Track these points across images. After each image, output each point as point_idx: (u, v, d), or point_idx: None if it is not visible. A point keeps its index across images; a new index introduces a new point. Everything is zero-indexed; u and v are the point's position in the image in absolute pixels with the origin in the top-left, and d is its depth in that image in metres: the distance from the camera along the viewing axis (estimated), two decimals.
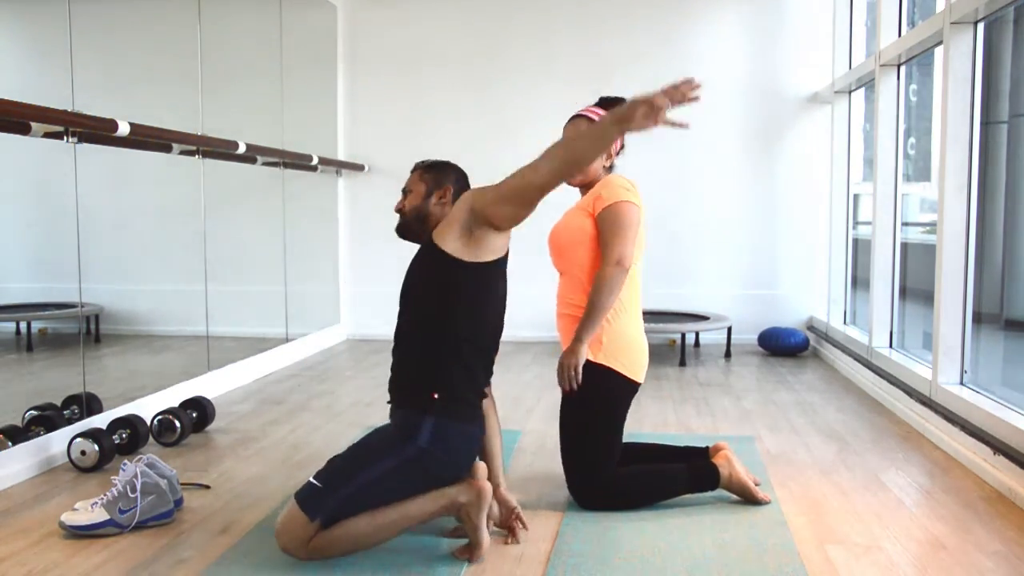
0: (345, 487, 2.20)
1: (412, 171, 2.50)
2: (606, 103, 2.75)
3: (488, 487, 2.30)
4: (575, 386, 2.60)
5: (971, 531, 2.53)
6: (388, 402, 2.42)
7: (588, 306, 2.60)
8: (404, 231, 2.48)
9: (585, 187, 2.78)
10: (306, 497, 2.20)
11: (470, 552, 2.30)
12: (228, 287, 4.89)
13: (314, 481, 2.22)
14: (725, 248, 6.02)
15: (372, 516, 2.21)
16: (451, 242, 2.28)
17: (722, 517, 2.60)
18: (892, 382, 4.08)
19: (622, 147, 2.82)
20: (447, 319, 2.31)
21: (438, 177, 2.45)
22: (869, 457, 3.28)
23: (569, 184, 2.80)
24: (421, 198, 2.43)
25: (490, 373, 2.49)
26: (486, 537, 2.31)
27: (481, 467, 2.37)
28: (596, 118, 2.69)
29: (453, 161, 2.52)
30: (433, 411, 2.26)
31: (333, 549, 2.22)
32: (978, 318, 3.75)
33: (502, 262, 2.39)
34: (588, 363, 2.63)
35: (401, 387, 2.37)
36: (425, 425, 2.25)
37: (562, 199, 2.98)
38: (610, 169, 2.80)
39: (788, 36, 5.91)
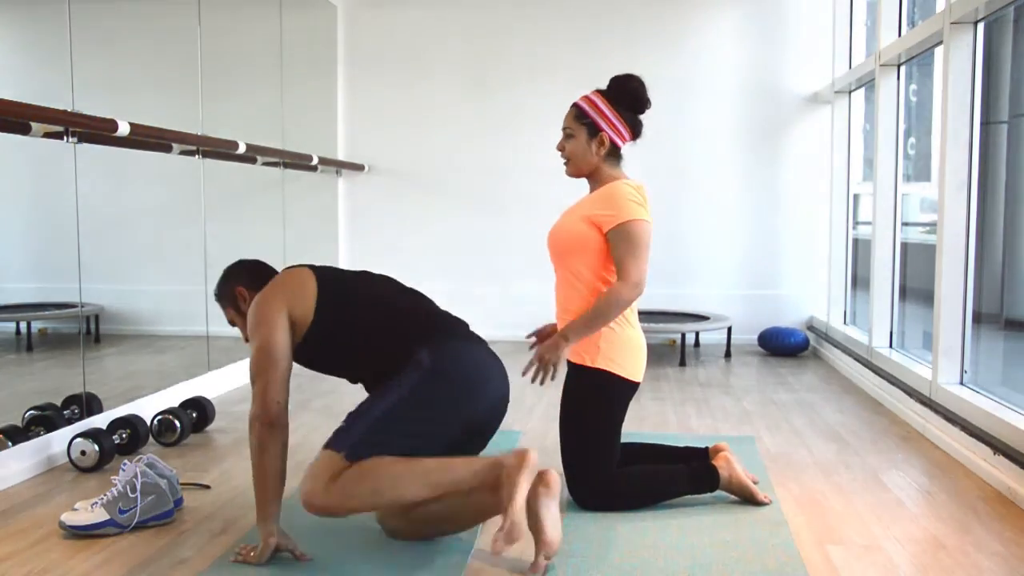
0: (364, 419, 2.22)
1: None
2: (616, 82, 2.72)
3: (534, 455, 2.16)
4: (543, 383, 2.56)
5: (970, 531, 2.53)
6: None
7: (591, 312, 2.56)
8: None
9: (588, 179, 2.75)
10: (331, 439, 2.21)
11: (503, 529, 2.07)
12: None
13: (339, 426, 2.25)
14: (725, 248, 6.02)
15: (408, 461, 2.16)
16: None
17: (722, 517, 2.60)
18: (892, 382, 4.08)
19: (635, 136, 2.72)
20: (347, 357, 2.42)
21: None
22: (869, 457, 3.28)
23: (569, 175, 2.78)
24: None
25: (433, 314, 2.47)
26: (519, 505, 2.09)
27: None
28: (591, 108, 2.69)
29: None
30: (422, 350, 2.29)
31: (360, 489, 2.12)
32: (978, 318, 3.75)
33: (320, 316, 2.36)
34: (586, 368, 2.63)
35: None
36: (422, 352, 2.28)
37: (561, 198, 2.99)
38: (607, 157, 2.69)
39: (788, 36, 5.90)
